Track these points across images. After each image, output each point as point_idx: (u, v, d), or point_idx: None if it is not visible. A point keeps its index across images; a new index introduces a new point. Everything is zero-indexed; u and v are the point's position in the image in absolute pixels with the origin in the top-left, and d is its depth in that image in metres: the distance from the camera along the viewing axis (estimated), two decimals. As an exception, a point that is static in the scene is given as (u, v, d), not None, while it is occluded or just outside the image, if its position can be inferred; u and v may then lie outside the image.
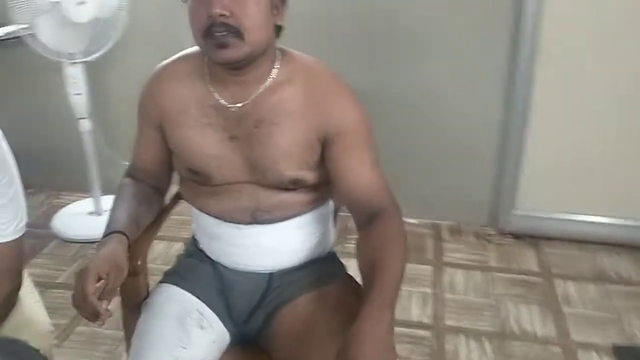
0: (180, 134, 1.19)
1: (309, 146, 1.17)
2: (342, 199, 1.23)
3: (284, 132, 1.16)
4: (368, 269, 1.11)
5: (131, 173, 1.32)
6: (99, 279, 1.07)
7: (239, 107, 1.16)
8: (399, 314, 1.99)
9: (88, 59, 2.33)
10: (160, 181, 1.31)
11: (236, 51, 1.08)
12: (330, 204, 1.33)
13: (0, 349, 0.72)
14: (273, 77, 1.17)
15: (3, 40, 2.33)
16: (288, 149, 1.16)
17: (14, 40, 2.27)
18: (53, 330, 1.31)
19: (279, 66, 1.18)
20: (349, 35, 2.44)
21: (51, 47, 2.23)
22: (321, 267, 1.29)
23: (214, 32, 1.06)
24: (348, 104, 1.19)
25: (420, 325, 2.06)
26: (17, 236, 1.20)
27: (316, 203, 1.27)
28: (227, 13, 1.05)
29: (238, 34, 1.07)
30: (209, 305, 1.22)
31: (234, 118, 1.17)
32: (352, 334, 1.01)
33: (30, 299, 1.28)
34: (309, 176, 1.20)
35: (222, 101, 1.16)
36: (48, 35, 2.20)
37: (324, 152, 1.19)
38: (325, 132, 1.17)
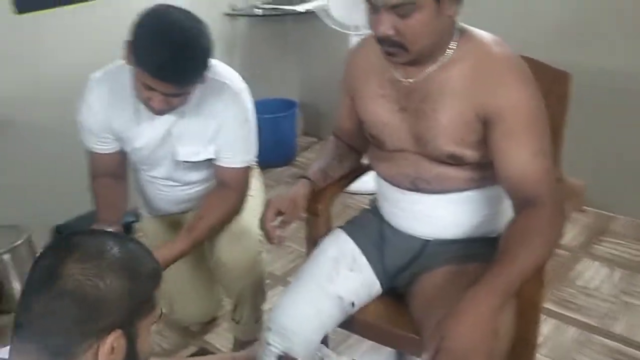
0: (362, 102, 1.36)
1: (467, 125, 1.21)
2: (500, 182, 1.23)
3: (445, 109, 1.22)
4: (498, 254, 1.13)
5: (335, 132, 1.55)
6: (279, 212, 1.35)
7: (410, 82, 1.26)
8: (625, 330, 1.82)
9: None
10: (356, 141, 1.50)
11: (402, 58, 1.19)
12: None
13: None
14: (447, 56, 1.22)
15: (304, 14, 2.80)
16: (446, 126, 1.22)
17: (311, 15, 2.71)
18: (261, 240, 1.60)
19: (455, 46, 1.22)
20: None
21: (340, 20, 2.60)
22: (480, 246, 1.32)
23: (381, 44, 1.19)
24: (513, 86, 1.17)
25: (645, 348, 1.83)
26: (244, 165, 1.59)
27: (482, 182, 1.29)
28: (391, 32, 1.14)
29: (402, 47, 1.16)
30: (365, 254, 1.38)
31: (405, 92, 1.27)
32: (452, 311, 1.06)
33: (249, 214, 1.64)
34: (469, 154, 1.24)
35: (397, 75, 1.28)
36: (338, 10, 2.57)
37: (486, 133, 1.21)
38: (486, 113, 1.18)
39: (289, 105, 3.17)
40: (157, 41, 1.32)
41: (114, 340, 0.82)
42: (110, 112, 1.53)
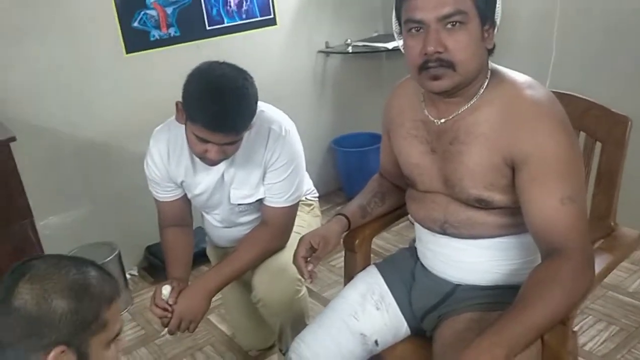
0: (397, 142, 1.38)
1: (493, 168, 1.19)
2: (528, 229, 1.18)
3: (471, 152, 1.21)
4: (514, 302, 1.09)
5: (380, 170, 1.57)
6: (312, 248, 1.39)
7: (441, 122, 1.26)
8: None
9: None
10: (398, 180, 1.51)
11: (448, 81, 1.16)
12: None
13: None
14: (477, 98, 1.21)
15: (392, 51, 2.85)
16: (473, 169, 1.21)
17: (399, 52, 2.75)
18: (299, 279, 1.66)
19: (486, 87, 1.21)
20: None
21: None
22: (511, 294, 1.25)
23: (429, 66, 1.15)
24: (542, 130, 1.13)
25: None
26: (287, 205, 1.64)
27: (515, 229, 1.25)
28: (442, 49, 1.13)
29: (451, 66, 1.14)
30: (393, 293, 1.38)
31: (435, 133, 1.27)
32: (457, 358, 1.04)
33: (289, 251, 1.65)
34: (498, 198, 1.21)
35: (430, 116, 1.29)
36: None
37: (514, 177, 1.17)
38: (513, 157, 1.16)
39: (376, 139, 3.21)
40: (208, 95, 1.39)
41: (57, 356, 0.91)
42: (170, 163, 1.63)
